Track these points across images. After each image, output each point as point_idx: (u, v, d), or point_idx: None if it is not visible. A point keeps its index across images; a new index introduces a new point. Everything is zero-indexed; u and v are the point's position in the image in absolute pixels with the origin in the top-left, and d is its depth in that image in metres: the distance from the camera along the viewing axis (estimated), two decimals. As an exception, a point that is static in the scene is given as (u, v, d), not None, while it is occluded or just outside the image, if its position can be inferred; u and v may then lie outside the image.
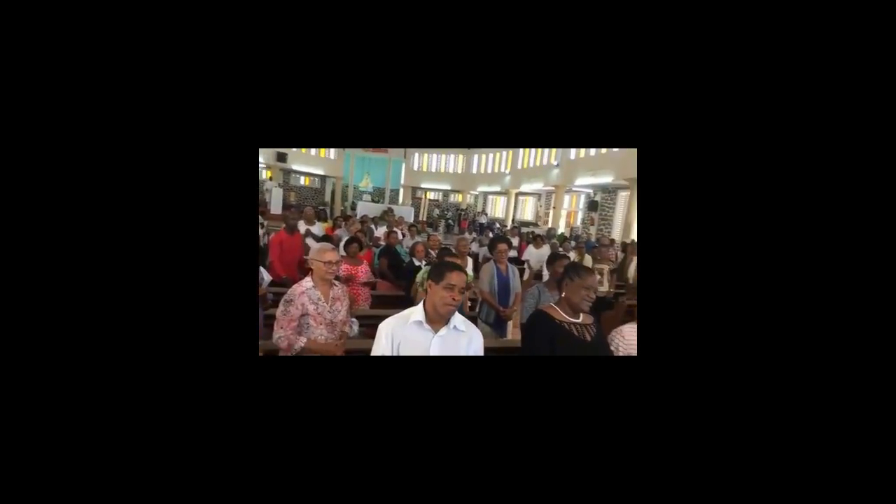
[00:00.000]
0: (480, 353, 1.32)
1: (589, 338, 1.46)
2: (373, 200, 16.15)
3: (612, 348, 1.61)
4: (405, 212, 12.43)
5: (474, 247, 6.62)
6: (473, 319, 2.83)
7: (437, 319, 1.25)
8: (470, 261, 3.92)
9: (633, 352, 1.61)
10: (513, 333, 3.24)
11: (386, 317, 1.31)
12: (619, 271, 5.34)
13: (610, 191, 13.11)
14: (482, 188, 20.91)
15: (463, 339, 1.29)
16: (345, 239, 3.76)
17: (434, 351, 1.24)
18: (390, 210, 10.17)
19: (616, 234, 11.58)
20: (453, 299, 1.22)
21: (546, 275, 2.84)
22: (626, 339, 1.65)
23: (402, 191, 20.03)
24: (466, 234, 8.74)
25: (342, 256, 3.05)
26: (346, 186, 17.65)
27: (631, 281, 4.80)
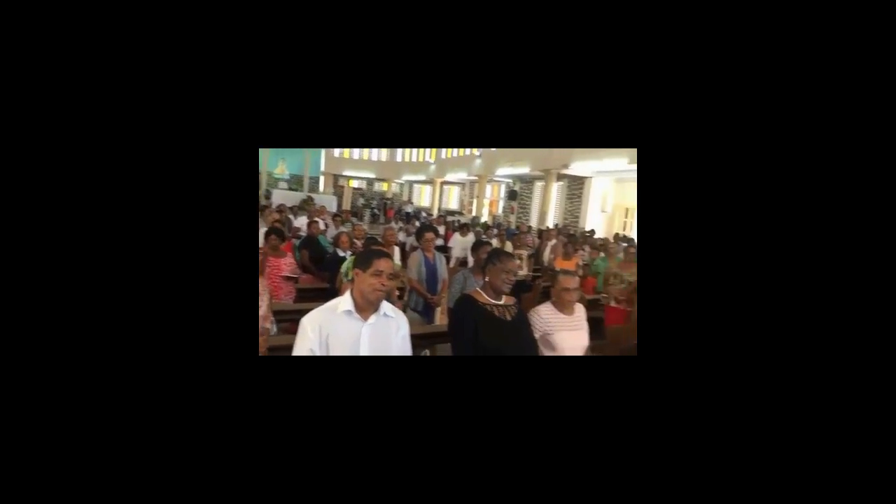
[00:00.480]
0: (407, 338, 1.36)
1: (510, 317, 1.58)
2: (290, 188, 15.11)
3: (531, 327, 1.75)
4: (327, 200, 11.83)
5: (401, 236, 6.60)
6: (402, 308, 2.85)
7: (366, 307, 1.25)
8: (397, 250, 3.91)
9: (549, 329, 1.78)
10: (440, 319, 3.33)
11: (311, 310, 1.27)
12: (535, 256, 5.80)
13: (527, 181, 13.96)
14: (407, 177, 20.80)
15: (392, 324, 1.31)
16: (262, 230, 3.50)
17: (364, 340, 1.24)
18: (310, 199, 9.64)
19: (533, 221, 12.41)
20: (382, 285, 1.23)
21: (471, 261, 2.96)
22: (542, 318, 1.81)
23: (322, 178, 19.02)
24: (393, 224, 8.66)
25: (260, 248, 2.84)
26: (259, 173, 16.23)
27: (546, 264, 5.23)
